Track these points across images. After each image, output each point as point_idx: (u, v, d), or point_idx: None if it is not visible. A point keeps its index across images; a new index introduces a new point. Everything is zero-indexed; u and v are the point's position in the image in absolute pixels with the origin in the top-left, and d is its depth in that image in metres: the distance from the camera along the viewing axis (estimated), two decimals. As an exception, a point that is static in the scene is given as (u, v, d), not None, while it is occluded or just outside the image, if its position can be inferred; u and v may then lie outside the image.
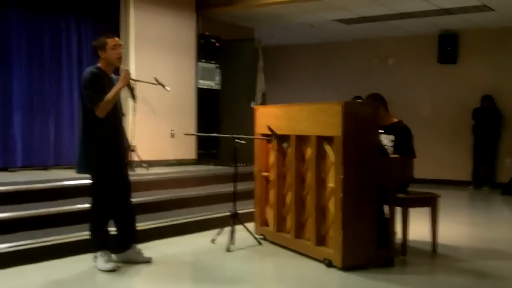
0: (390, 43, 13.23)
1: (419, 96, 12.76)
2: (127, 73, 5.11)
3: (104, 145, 5.02)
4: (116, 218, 5.31)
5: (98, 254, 5.12)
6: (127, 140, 5.41)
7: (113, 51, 5.09)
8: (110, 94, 4.97)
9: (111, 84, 5.09)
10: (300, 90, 13.96)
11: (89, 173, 5.14)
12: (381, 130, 5.62)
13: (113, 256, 5.30)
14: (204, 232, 6.73)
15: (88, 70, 5.09)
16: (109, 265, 5.08)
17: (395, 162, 5.59)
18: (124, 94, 5.21)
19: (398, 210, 5.68)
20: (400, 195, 5.75)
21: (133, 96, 5.40)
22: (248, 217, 6.76)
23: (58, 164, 8.53)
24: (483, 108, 11.84)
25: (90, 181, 5.20)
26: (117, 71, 5.37)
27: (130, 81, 5.22)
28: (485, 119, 11.79)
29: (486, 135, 11.81)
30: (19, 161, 8.10)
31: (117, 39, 5.20)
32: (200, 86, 10.40)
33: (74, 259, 5.44)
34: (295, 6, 10.06)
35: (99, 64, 5.15)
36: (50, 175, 7.49)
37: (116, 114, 5.13)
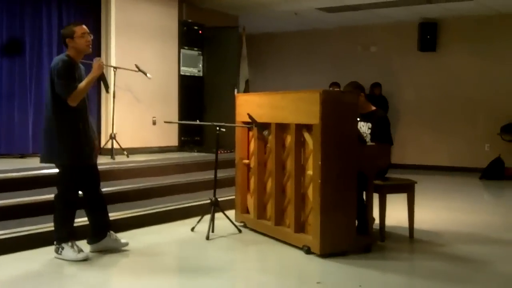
0: (373, 30, 13.29)
1: (401, 83, 12.85)
2: (101, 63, 5.07)
3: (76, 134, 4.96)
4: (88, 208, 5.25)
5: (67, 245, 4.97)
6: (94, 130, 5.31)
7: (81, 39, 5.01)
8: (83, 84, 4.93)
9: (79, 72, 5.06)
10: (284, 77, 14.01)
11: (61, 163, 5.03)
12: (359, 117, 5.68)
13: (89, 246, 5.26)
14: (185, 220, 6.72)
15: (59, 58, 5.01)
16: (81, 255, 4.96)
17: (373, 150, 5.66)
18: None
19: (376, 197, 5.73)
20: (378, 182, 5.81)
21: (106, 87, 5.33)
22: (230, 205, 6.79)
23: (37, 152, 8.38)
24: (374, 95, 12.17)
25: (58, 171, 5.10)
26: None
27: (103, 72, 5.17)
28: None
29: None
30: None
31: (84, 26, 5.10)
32: (183, 73, 10.38)
33: (49, 250, 5.23)
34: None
35: (68, 53, 5.06)
36: (27, 163, 7.37)
37: (84, 103, 5.07)
